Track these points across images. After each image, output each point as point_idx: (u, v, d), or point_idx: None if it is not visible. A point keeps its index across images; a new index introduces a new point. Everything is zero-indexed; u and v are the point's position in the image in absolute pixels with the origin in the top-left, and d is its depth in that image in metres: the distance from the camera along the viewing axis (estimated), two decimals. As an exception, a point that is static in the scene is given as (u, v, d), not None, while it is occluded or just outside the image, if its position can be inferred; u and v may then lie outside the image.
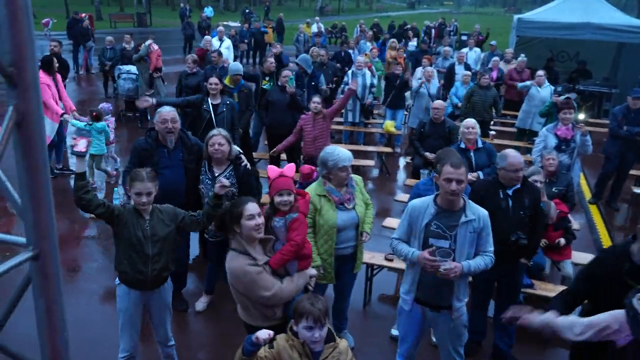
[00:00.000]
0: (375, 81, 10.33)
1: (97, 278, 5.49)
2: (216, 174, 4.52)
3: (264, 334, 2.69)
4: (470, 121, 5.81)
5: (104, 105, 8.03)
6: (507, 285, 4.28)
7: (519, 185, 4.09)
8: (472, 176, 5.56)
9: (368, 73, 9.83)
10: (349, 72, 9.87)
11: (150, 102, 5.75)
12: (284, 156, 8.02)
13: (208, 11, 28.63)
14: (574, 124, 6.35)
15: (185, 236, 4.87)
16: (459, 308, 3.50)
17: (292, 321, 2.76)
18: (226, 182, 3.64)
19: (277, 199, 3.37)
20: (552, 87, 9.54)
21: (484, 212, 3.45)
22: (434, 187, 4.31)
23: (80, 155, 3.34)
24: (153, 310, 3.78)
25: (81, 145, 3.29)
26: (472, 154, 5.73)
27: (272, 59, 8.94)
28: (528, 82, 9.96)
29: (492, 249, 3.47)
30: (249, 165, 4.71)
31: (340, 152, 3.98)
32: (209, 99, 6.51)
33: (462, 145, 5.76)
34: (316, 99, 6.80)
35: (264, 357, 2.68)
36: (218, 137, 4.43)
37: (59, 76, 7.86)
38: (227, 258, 3.21)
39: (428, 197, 3.52)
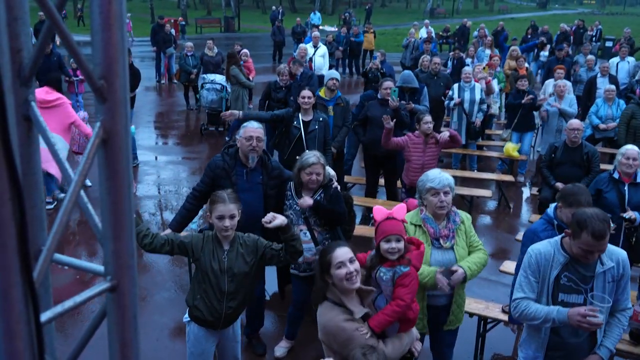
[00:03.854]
0: (492, 96, 10.09)
1: (169, 310, 5.74)
2: None
3: None
4: (633, 151, 5.42)
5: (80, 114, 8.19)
6: None
7: None
8: (627, 215, 5.25)
9: (478, 86, 9.61)
10: (455, 85, 9.72)
11: (236, 115, 6.03)
12: (382, 181, 7.99)
13: (315, 18, 28.48)
14: None
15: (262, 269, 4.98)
16: None
17: None
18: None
19: (384, 245, 3.27)
20: None
21: (622, 254, 3.28)
22: (556, 231, 4.06)
23: None
24: (225, 348, 3.93)
25: None
26: (626, 188, 5.39)
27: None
28: None
29: (629, 304, 3.35)
30: (339, 187, 4.77)
31: (432, 174, 3.90)
32: (299, 115, 6.66)
33: (616, 176, 5.43)
34: (428, 117, 6.72)
35: None
36: (318, 167, 4.48)
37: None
38: (318, 309, 3.19)
39: (552, 242, 3.34)
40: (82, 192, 0.90)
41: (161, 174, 9.75)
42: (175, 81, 16.08)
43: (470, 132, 9.64)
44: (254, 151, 4.64)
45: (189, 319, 3.86)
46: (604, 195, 5.35)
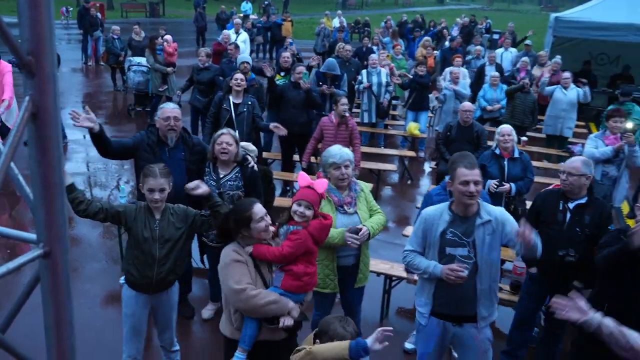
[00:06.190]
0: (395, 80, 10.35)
1: (100, 280, 5.55)
2: (221, 176, 4.55)
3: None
4: (507, 128, 5.71)
5: None
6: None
7: (583, 200, 4.01)
8: (502, 189, 5.47)
9: (383, 71, 9.83)
10: (363, 70, 9.89)
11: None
12: (296, 157, 8.02)
13: (247, 7, 26.34)
14: (622, 134, 6.23)
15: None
16: (485, 317, 3.48)
17: (317, 341, 2.79)
18: (194, 184, 3.64)
19: (294, 207, 3.35)
20: (582, 90, 9.34)
21: (499, 210, 3.49)
22: (448, 195, 4.30)
23: None
24: (159, 312, 3.85)
25: None
26: (505, 162, 5.66)
27: (288, 54, 8.93)
28: (545, 78, 9.75)
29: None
30: (256, 167, 4.74)
31: (332, 149, 4.04)
32: (230, 97, 6.54)
33: (497, 152, 5.70)
34: (345, 100, 6.74)
35: None
36: (226, 137, 4.46)
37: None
38: (223, 250, 3.30)
39: (442, 205, 3.55)
40: (12, 164, 0.86)
41: (90, 152, 9.29)
42: (103, 63, 15.29)
43: (379, 112, 9.86)
44: (172, 131, 4.53)
45: (124, 282, 3.78)
46: (488, 169, 5.61)
